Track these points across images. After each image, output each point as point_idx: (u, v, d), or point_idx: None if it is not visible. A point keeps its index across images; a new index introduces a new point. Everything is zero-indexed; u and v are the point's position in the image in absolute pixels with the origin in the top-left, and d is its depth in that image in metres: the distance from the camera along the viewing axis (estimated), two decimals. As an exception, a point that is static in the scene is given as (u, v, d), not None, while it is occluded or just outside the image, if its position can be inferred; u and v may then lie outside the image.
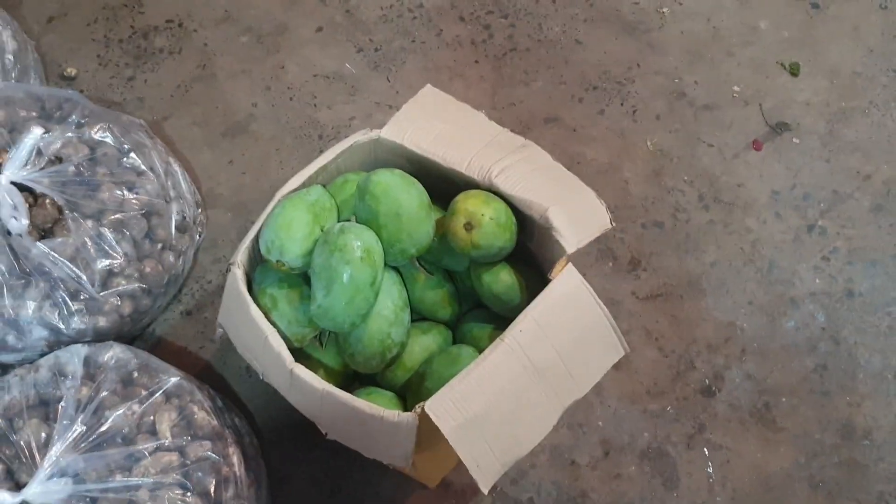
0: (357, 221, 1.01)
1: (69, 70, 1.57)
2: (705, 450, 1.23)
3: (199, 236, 1.31)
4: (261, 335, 0.95)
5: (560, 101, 1.56)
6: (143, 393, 0.99)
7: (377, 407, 0.89)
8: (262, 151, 1.49)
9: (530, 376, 0.91)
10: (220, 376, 1.27)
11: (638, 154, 1.49)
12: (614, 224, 1.00)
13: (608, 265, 1.37)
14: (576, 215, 1.00)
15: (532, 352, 0.91)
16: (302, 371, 0.92)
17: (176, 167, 1.26)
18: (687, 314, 1.33)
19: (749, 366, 1.28)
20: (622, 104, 1.55)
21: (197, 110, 1.54)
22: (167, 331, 1.31)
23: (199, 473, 0.94)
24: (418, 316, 1.12)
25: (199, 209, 1.31)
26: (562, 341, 0.94)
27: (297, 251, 0.98)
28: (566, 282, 0.95)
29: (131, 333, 1.22)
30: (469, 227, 0.99)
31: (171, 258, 1.19)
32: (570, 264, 0.96)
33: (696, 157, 1.49)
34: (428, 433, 0.88)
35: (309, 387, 0.92)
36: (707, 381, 1.27)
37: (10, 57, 1.35)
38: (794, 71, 1.58)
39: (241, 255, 1.01)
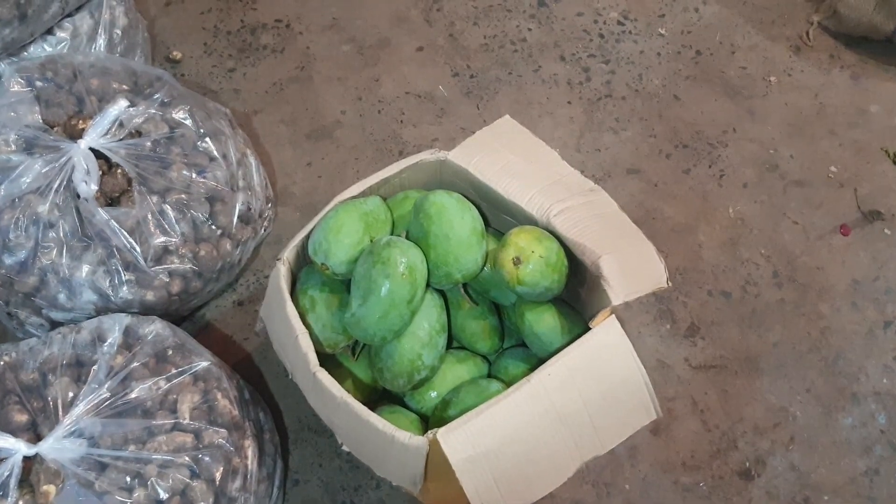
0: (408, 238, 1.01)
1: (175, 54, 1.63)
2: (734, 535, 1.17)
3: (264, 230, 1.32)
4: (292, 333, 0.95)
5: (647, 154, 1.52)
6: (173, 371, 1.00)
7: (390, 425, 0.87)
8: (341, 158, 1.51)
9: (551, 422, 0.88)
10: (257, 370, 1.27)
11: (717, 219, 1.44)
12: (670, 284, 0.97)
13: (666, 327, 1.33)
14: (630, 268, 0.97)
15: (557, 397, 0.88)
16: (324, 376, 0.91)
17: (251, 160, 1.28)
18: (738, 391, 1.27)
19: (795, 456, 1.21)
20: (710, 166, 1.51)
21: (287, 109, 1.57)
22: (217, 317, 1.33)
23: (208, 459, 0.94)
24: (458, 344, 1.10)
25: (269, 204, 1.32)
26: (590, 392, 0.90)
27: (343, 257, 0.98)
28: (605, 333, 0.92)
29: (179, 313, 1.24)
30: (517, 261, 0.97)
31: (229, 246, 1.20)
32: (612, 316, 0.93)
33: (777, 233, 1.43)
34: (441, 462, 0.86)
35: (328, 393, 0.91)
36: (747, 464, 1.21)
37: (119, 32, 1.40)
38: (898, 160, 1.52)
39: (288, 252, 1.02)
